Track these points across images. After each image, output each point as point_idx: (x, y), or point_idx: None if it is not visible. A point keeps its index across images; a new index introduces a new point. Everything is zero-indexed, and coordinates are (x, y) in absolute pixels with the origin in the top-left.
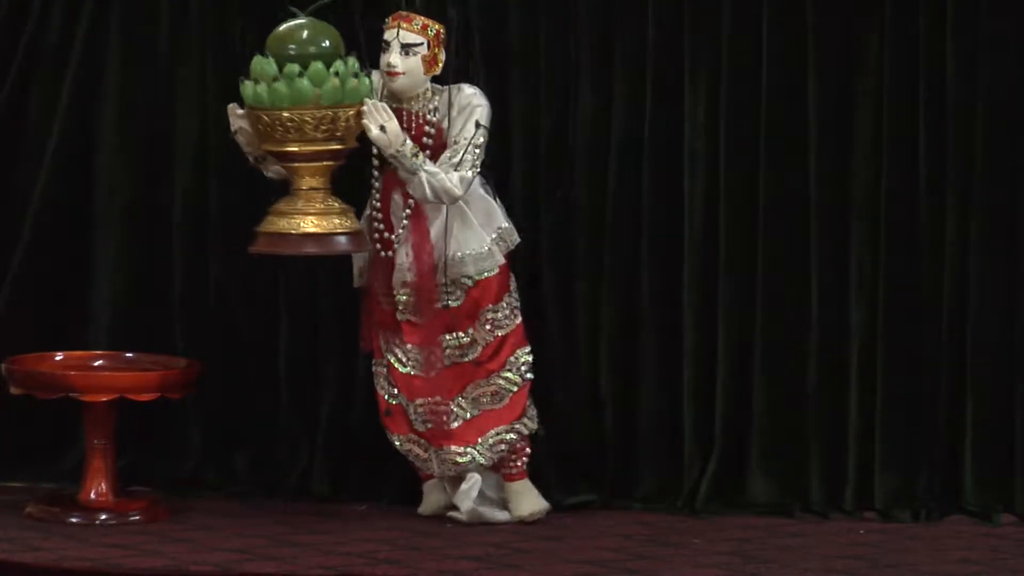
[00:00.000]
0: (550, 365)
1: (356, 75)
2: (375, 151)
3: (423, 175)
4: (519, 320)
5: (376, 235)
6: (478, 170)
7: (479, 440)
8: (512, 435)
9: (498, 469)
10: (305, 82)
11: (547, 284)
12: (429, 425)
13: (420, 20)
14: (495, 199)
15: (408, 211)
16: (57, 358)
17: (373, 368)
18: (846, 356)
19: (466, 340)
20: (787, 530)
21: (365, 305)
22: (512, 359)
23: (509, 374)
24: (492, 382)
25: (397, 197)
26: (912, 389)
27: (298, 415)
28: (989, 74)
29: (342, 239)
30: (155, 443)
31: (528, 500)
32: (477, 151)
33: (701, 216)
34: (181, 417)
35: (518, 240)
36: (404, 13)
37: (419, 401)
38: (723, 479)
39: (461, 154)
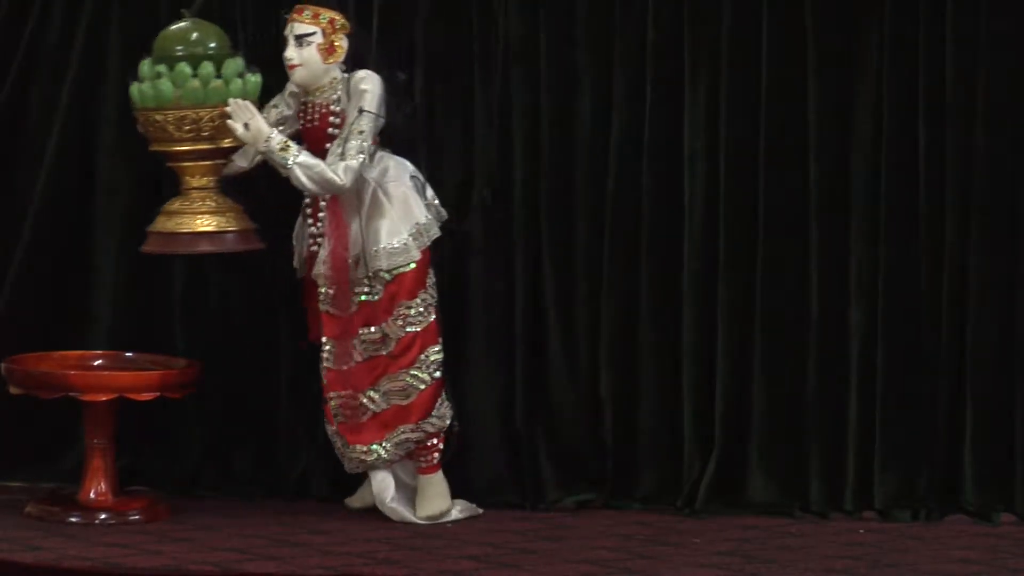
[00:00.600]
0: (550, 365)
1: (240, 75)
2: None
3: (296, 169)
4: (433, 318)
5: (306, 228)
6: (365, 157)
7: (385, 436)
8: (417, 434)
9: (414, 459)
10: (165, 83)
11: (547, 283)
12: (340, 419)
13: (311, 10)
14: (423, 191)
15: (326, 206)
16: (57, 358)
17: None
18: (846, 356)
19: (378, 335)
20: (787, 530)
21: (305, 296)
22: (422, 357)
23: (418, 372)
24: (400, 378)
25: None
26: (912, 389)
27: (298, 415)
28: (989, 74)
29: (232, 237)
30: (155, 443)
31: (433, 500)
32: (361, 137)
33: (701, 216)
34: (181, 417)
35: (437, 234)
36: (298, 6)
37: (332, 395)
38: (723, 479)
39: (345, 143)
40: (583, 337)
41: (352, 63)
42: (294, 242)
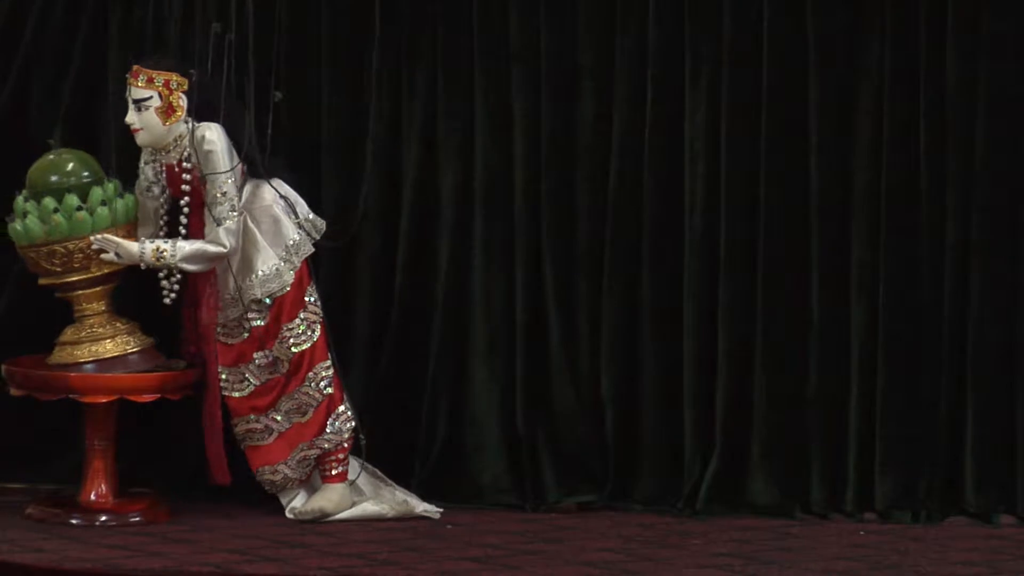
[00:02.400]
0: (550, 365)
1: (105, 203)
2: (160, 192)
3: (183, 264)
4: (318, 335)
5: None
6: (237, 213)
7: (289, 456)
8: (314, 451)
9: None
10: (32, 220)
11: (547, 284)
12: (247, 443)
13: (145, 74)
14: (292, 211)
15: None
16: (47, 360)
17: None
18: (846, 357)
19: (270, 358)
20: (787, 531)
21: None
22: (311, 374)
23: (308, 389)
24: (295, 396)
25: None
26: (912, 391)
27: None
28: (990, 75)
29: (135, 358)
30: (155, 444)
31: (324, 500)
32: (226, 197)
33: (701, 216)
34: (181, 418)
35: (310, 251)
36: (135, 68)
37: (236, 420)
38: (723, 480)
39: (215, 208)
40: (584, 338)
41: (199, 109)
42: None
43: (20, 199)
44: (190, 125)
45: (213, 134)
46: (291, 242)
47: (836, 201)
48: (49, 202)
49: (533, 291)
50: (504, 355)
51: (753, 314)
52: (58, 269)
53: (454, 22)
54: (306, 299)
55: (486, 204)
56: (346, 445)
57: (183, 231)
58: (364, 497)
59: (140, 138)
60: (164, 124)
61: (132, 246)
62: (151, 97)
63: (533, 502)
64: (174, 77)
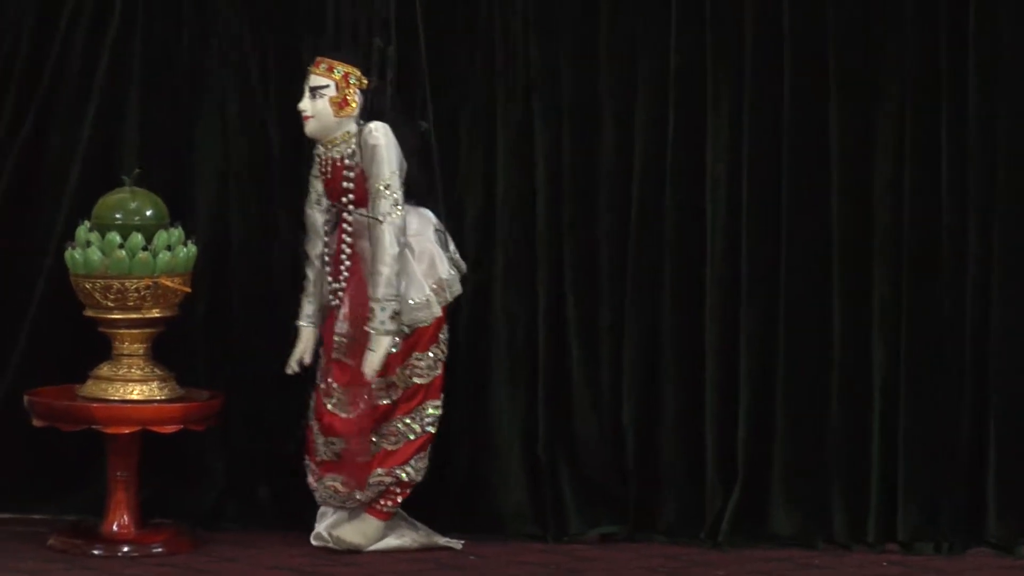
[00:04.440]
0: (572, 395)
1: (170, 248)
2: (329, 204)
3: (392, 309)
4: (439, 372)
5: (326, 281)
6: (401, 207)
7: (366, 475)
8: (390, 479)
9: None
10: (94, 252)
11: (569, 312)
12: (325, 458)
13: (326, 63)
14: (445, 245)
15: (348, 262)
16: (79, 390)
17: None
18: (868, 388)
19: (386, 384)
20: (810, 562)
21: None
22: (419, 407)
23: (411, 421)
24: (395, 424)
25: (343, 245)
26: (934, 421)
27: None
28: (1010, 107)
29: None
30: (178, 475)
31: (360, 533)
32: (388, 191)
33: (723, 246)
34: (204, 449)
35: (459, 291)
36: (317, 59)
37: (332, 439)
38: (746, 511)
39: (378, 203)
40: (605, 367)
41: (369, 116)
42: (311, 288)
43: (83, 228)
44: (360, 125)
45: (380, 130)
46: (445, 276)
47: (858, 231)
48: (114, 237)
49: (555, 319)
50: (526, 384)
51: (775, 343)
52: (110, 304)
53: (479, 51)
54: (440, 335)
55: (507, 231)
56: (408, 490)
57: (347, 229)
58: (386, 532)
59: (309, 126)
60: (335, 116)
61: (375, 357)
62: (328, 86)
63: (555, 533)
64: (354, 72)
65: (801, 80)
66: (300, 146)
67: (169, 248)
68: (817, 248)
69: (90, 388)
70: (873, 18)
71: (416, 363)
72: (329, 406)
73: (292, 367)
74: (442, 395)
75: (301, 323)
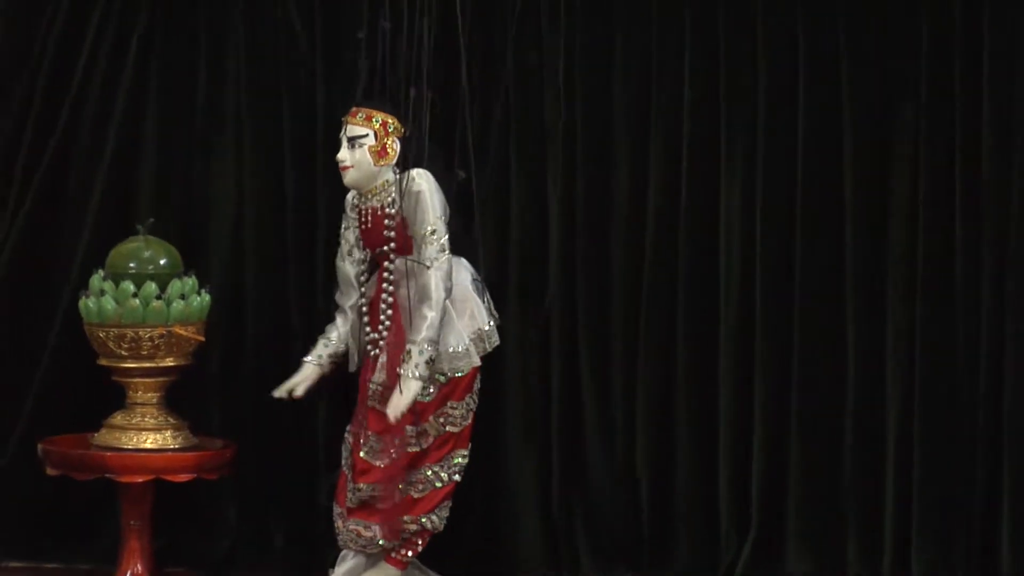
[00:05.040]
0: (585, 439)
1: (183, 296)
2: (362, 256)
3: (428, 355)
4: (470, 422)
5: (363, 330)
6: (447, 252)
7: (397, 525)
8: (414, 526)
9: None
10: (108, 300)
11: (583, 358)
12: (351, 504)
13: (364, 112)
14: (483, 296)
15: (388, 311)
16: (93, 439)
17: (345, 434)
18: (882, 427)
19: (418, 432)
20: None
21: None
22: (448, 455)
23: (440, 470)
24: (423, 471)
25: (384, 295)
26: (948, 460)
27: (334, 495)
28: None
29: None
30: (191, 524)
31: None
32: (434, 236)
33: (737, 292)
34: (217, 497)
35: (497, 342)
36: (353, 109)
37: (362, 485)
38: (761, 552)
39: (425, 249)
40: (619, 412)
41: (404, 164)
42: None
43: (97, 277)
44: (397, 173)
45: (423, 176)
46: (485, 327)
47: (872, 274)
48: (128, 286)
49: (569, 365)
50: (539, 429)
51: (788, 387)
52: (124, 353)
53: (489, 93)
54: (475, 385)
55: (520, 278)
56: (432, 534)
57: (388, 278)
58: None
59: (349, 176)
60: (375, 165)
61: (405, 398)
62: (367, 135)
63: None
64: (392, 120)
65: (815, 119)
66: (314, 196)
67: (183, 297)
68: (831, 290)
69: (104, 437)
70: (888, 71)
71: (451, 411)
72: (362, 453)
73: (281, 392)
74: (470, 445)
75: (307, 359)
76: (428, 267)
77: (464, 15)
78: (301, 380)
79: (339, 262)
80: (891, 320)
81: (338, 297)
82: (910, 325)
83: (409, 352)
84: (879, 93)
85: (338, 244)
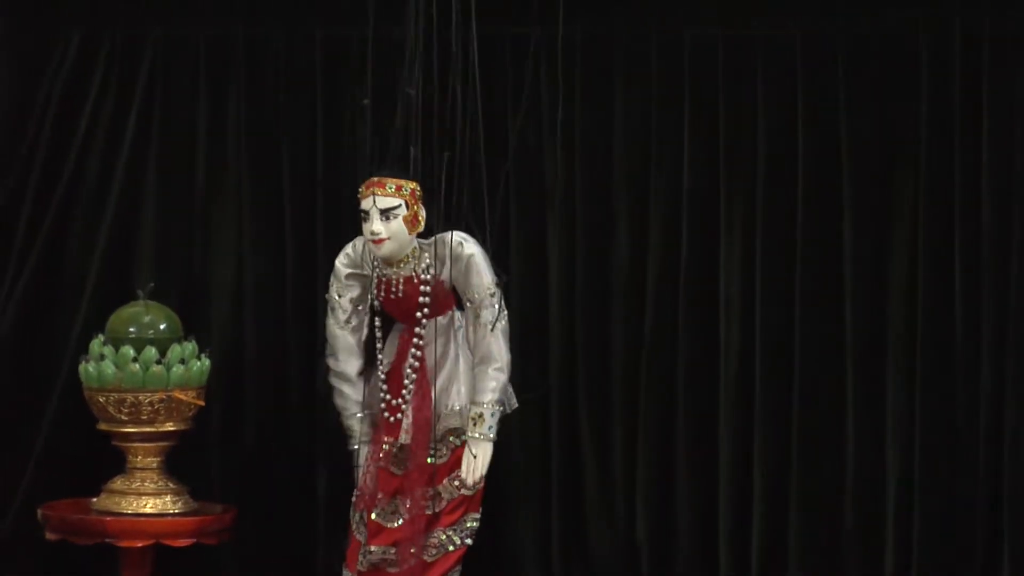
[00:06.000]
0: (586, 507)
1: (183, 361)
2: (359, 322)
3: (500, 413)
4: (482, 485)
5: (380, 395)
6: (506, 312)
7: None
8: None
9: None
10: (108, 365)
11: (583, 428)
12: (363, 567)
13: (393, 183)
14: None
15: (413, 375)
16: (93, 504)
17: (353, 498)
18: (882, 496)
19: (431, 494)
20: None
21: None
22: (461, 519)
23: (453, 534)
24: (437, 535)
25: (411, 360)
26: (948, 529)
27: (335, 560)
28: (1022, 221)
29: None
30: None
31: None
32: (494, 299)
33: (736, 361)
34: (217, 562)
35: (516, 404)
36: (376, 179)
37: (373, 548)
38: None
39: (488, 311)
40: (619, 480)
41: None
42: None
43: (97, 342)
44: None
45: (469, 240)
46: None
47: (871, 343)
48: (128, 351)
49: (568, 433)
50: (540, 497)
51: (788, 458)
52: (124, 418)
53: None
54: None
55: (521, 345)
56: None
57: (417, 343)
58: None
59: (385, 248)
60: (409, 234)
61: (480, 460)
62: (399, 206)
63: None
64: (418, 188)
65: (814, 196)
66: (314, 261)
67: (183, 362)
68: (830, 364)
69: (104, 501)
70: (887, 136)
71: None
72: (374, 516)
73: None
74: (481, 508)
75: (359, 444)
76: (491, 329)
77: (467, 77)
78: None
79: (337, 330)
80: (890, 395)
81: (335, 364)
82: (910, 401)
83: (480, 415)
84: (878, 152)
85: (327, 309)
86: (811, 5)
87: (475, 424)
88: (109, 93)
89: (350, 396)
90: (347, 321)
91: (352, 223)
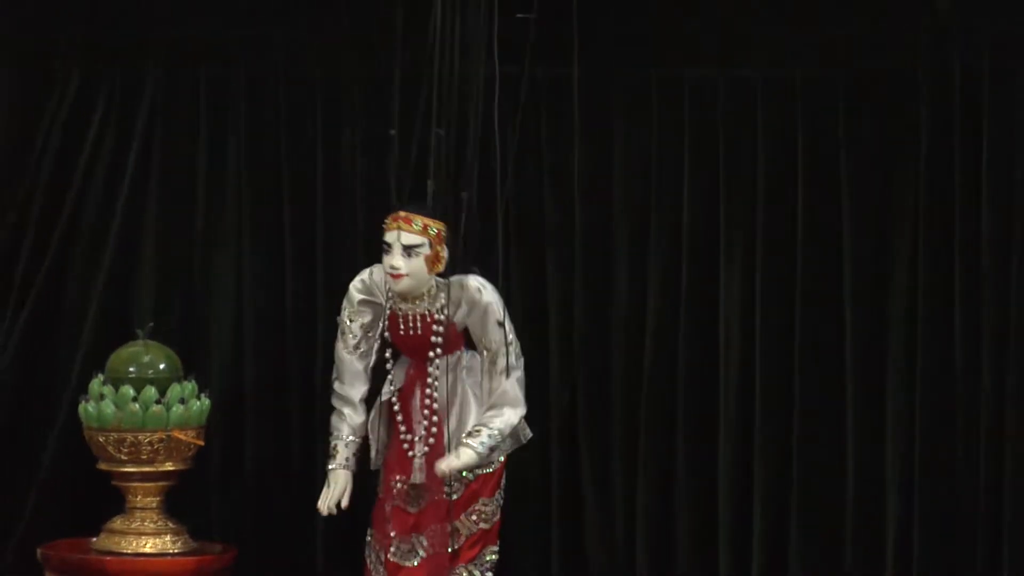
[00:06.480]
0: (585, 543)
1: (183, 401)
2: (367, 348)
3: (495, 443)
4: (499, 517)
5: (396, 428)
6: (521, 359)
7: None
8: None
9: None
10: (108, 405)
11: (584, 466)
12: None
13: (420, 220)
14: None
15: (426, 411)
16: (93, 543)
17: (368, 537)
18: (883, 537)
19: (448, 530)
20: None
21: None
22: (480, 554)
23: (474, 568)
24: (457, 572)
25: (426, 399)
26: (948, 557)
27: None
28: (1021, 260)
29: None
30: None
31: None
32: (511, 345)
33: (736, 398)
34: None
35: (530, 435)
36: (403, 214)
37: None
38: None
39: (504, 359)
40: (619, 516)
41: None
42: (347, 432)
43: (97, 382)
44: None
45: (487, 287)
46: (516, 422)
47: (872, 379)
48: (127, 390)
49: (569, 470)
50: (540, 532)
51: (787, 493)
52: (124, 457)
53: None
54: (502, 480)
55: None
56: None
57: (432, 383)
58: None
59: (402, 284)
60: (428, 272)
61: (465, 454)
62: (423, 244)
63: None
64: (442, 227)
65: (813, 233)
66: (313, 299)
67: (182, 401)
68: (829, 403)
69: (103, 541)
70: (885, 175)
71: (482, 508)
72: (391, 555)
73: (330, 508)
74: (498, 541)
75: (335, 466)
76: (507, 376)
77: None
78: (342, 490)
79: (345, 354)
80: (890, 437)
81: (340, 388)
82: (909, 446)
83: (479, 431)
84: (877, 191)
85: (337, 332)
86: (810, 45)
87: (470, 435)
88: (109, 131)
89: (347, 420)
90: (356, 347)
91: (352, 265)
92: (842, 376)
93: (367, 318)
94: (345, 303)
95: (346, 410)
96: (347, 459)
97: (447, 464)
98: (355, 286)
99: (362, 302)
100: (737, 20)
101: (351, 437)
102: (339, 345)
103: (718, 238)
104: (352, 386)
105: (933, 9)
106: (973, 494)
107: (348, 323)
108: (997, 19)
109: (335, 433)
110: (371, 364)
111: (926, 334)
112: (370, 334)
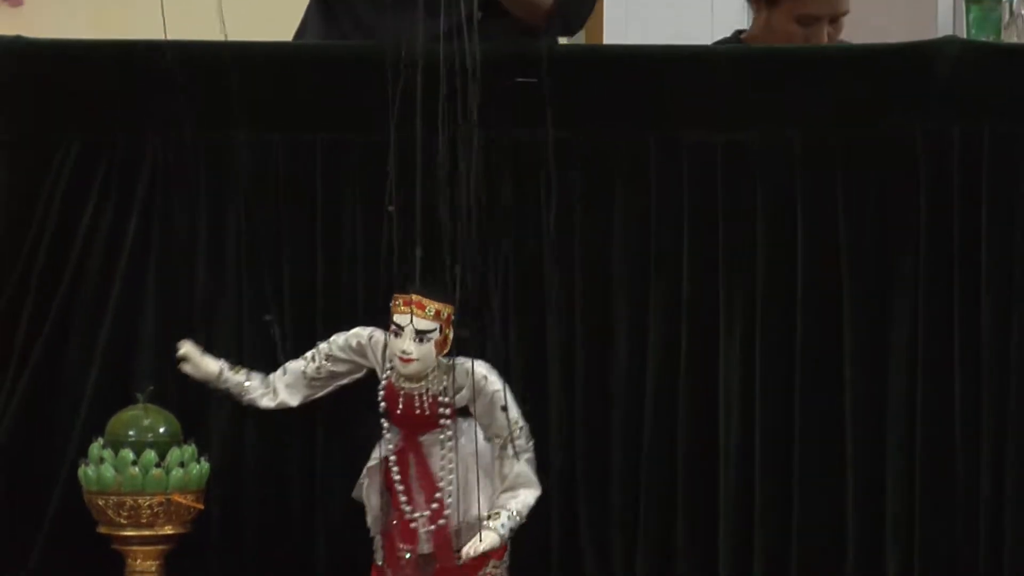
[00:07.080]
0: None
1: (182, 464)
2: (385, 426)
3: (515, 524)
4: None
5: (398, 497)
6: (532, 440)
7: None
8: None
9: None
10: (107, 469)
11: (583, 533)
12: None
13: (433, 306)
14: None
15: (446, 497)
16: None
17: None
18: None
19: None
20: None
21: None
22: None
23: None
24: None
25: (411, 464)
26: (949, 529)
27: None
28: (1021, 330)
29: None
30: None
31: None
32: (523, 430)
33: (736, 468)
34: None
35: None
36: (416, 298)
37: None
38: None
39: (516, 443)
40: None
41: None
42: (250, 385)
43: (96, 445)
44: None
45: (493, 373)
46: None
47: (871, 447)
48: (127, 454)
49: (567, 539)
50: None
51: (787, 557)
52: (123, 521)
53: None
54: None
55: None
56: None
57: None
58: None
59: (411, 368)
60: (436, 356)
61: (490, 542)
62: (435, 330)
63: None
64: (451, 310)
65: (814, 303)
66: None
67: (182, 465)
68: (830, 473)
69: None
70: (886, 241)
71: (493, 571)
72: None
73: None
74: None
75: (224, 365)
76: (518, 458)
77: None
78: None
79: (302, 367)
80: (890, 499)
81: (277, 379)
82: (909, 506)
83: (498, 513)
84: (877, 257)
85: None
86: (810, 110)
87: (490, 517)
88: (109, 199)
89: (255, 383)
90: (313, 376)
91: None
92: (842, 441)
93: (341, 368)
94: (332, 339)
95: (260, 384)
96: (225, 374)
97: (473, 548)
98: (354, 336)
99: (349, 352)
100: (735, 84)
101: (246, 384)
102: (297, 361)
103: (718, 304)
104: (291, 385)
105: (933, 73)
106: (973, 488)
107: (322, 357)
108: (998, 82)
109: (246, 375)
110: (304, 399)
111: (924, 405)
112: (329, 383)
